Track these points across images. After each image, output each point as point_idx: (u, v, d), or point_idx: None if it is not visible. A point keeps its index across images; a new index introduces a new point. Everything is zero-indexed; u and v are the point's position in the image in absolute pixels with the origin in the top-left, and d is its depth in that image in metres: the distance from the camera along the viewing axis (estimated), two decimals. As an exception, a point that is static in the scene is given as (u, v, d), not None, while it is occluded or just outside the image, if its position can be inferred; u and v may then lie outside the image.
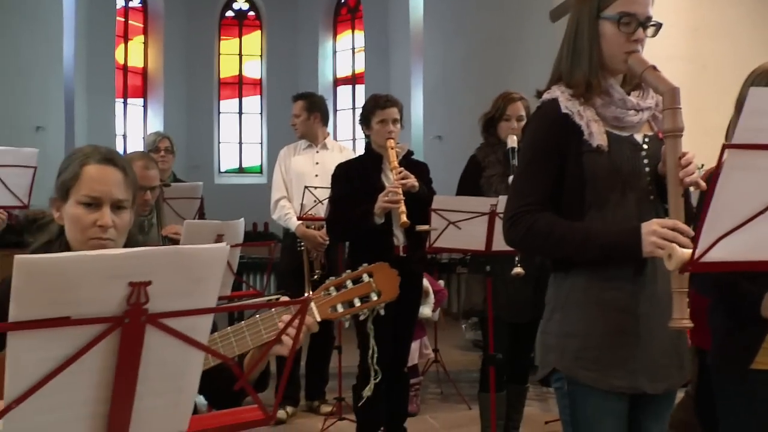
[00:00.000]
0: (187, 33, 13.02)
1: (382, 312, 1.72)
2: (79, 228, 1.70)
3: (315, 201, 4.46)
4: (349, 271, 1.70)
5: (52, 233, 1.79)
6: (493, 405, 3.34)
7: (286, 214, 4.60)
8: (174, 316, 0.87)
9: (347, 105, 13.14)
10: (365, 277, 1.69)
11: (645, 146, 1.93)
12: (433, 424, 4.53)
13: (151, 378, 0.91)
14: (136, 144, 12.65)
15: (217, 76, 13.43)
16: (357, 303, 1.67)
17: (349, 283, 1.68)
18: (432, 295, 4.77)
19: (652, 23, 1.88)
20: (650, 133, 1.96)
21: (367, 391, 2.13)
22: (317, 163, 4.69)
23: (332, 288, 1.67)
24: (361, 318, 1.69)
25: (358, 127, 13.47)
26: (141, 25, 12.93)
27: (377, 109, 3.57)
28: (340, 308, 1.66)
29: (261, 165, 13.45)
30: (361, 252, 3.52)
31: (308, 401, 4.71)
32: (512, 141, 3.43)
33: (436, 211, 3.04)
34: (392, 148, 3.49)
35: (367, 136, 3.68)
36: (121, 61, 12.55)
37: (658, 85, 1.80)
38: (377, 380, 2.06)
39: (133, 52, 12.83)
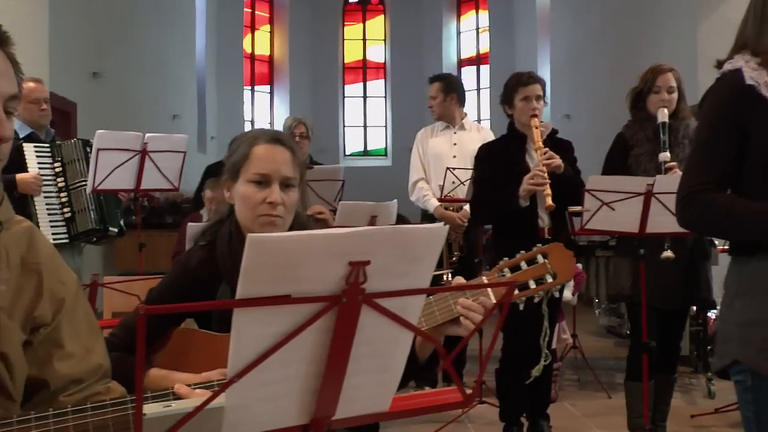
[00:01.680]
0: (311, 20, 13.27)
1: (557, 294, 1.65)
2: (249, 206, 1.74)
3: (454, 182, 4.42)
4: (522, 251, 1.64)
5: (222, 214, 1.84)
6: (646, 395, 3.20)
7: (424, 196, 4.62)
8: (389, 296, 0.85)
9: (472, 86, 12.98)
10: (539, 258, 1.62)
11: None
12: (573, 412, 4.41)
13: (362, 357, 0.89)
14: (264, 130, 13.02)
15: (341, 62, 13.63)
16: (532, 285, 1.61)
17: (523, 265, 1.62)
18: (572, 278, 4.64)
19: None
20: None
21: (536, 372, 2.07)
22: (455, 144, 4.66)
23: (506, 269, 1.62)
24: (536, 300, 1.63)
25: (483, 109, 13.22)
26: (267, 15, 13.30)
27: (520, 86, 3.48)
28: (515, 290, 1.60)
29: (385, 148, 13.58)
30: (505, 234, 3.46)
31: (446, 383, 4.69)
32: (663, 115, 3.24)
33: (589, 192, 2.92)
34: (536, 127, 3.39)
35: (509, 116, 3.59)
36: (249, 51, 12.97)
37: None
38: (547, 362, 2.00)
39: (260, 41, 13.24)
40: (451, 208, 4.47)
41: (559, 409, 4.36)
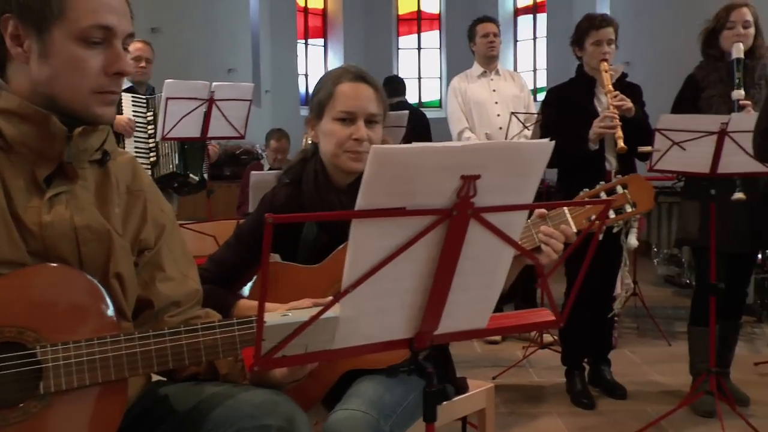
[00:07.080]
0: (364, -29, 13.12)
1: (635, 225, 1.66)
2: (335, 142, 1.78)
3: (502, 128, 4.41)
4: (603, 182, 1.66)
5: (306, 152, 1.89)
6: (713, 338, 3.15)
7: None
8: (497, 210, 0.87)
9: (528, 35, 12.70)
10: (619, 189, 1.63)
11: None
12: (633, 359, 4.40)
13: (466, 272, 0.92)
14: (317, 83, 13.03)
15: (395, 13, 13.49)
16: (612, 215, 1.63)
17: (603, 195, 1.64)
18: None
19: None
20: None
21: (618, 305, 2.08)
22: (494, 90, 4.60)
23: (586, 199, 1.63)
24: (615, 230, 1.65)
25: (540, 58, 12.90)
26: (320, -33, 13.19)
27: (592, 29, 3.41)
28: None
29: (440, 99, 13.48)
30: (572, 177, 3.43)
31: None
32: (738, 50, 3.13)
33: (660, 131, 2.87)
34: (606, 71, 3.34)
35: (578, 58, 3.54)
36: (302, 4, 12.91)
37: None
38: (629, 295, 2.01)
39: (313, -6, 13.15)
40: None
41: (619, 356, 4.36)
